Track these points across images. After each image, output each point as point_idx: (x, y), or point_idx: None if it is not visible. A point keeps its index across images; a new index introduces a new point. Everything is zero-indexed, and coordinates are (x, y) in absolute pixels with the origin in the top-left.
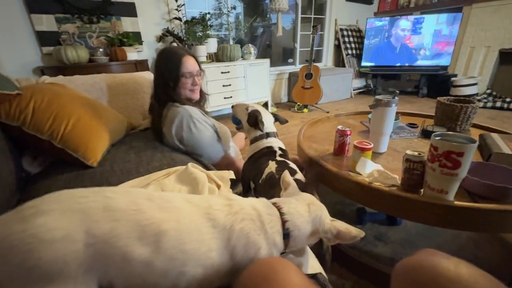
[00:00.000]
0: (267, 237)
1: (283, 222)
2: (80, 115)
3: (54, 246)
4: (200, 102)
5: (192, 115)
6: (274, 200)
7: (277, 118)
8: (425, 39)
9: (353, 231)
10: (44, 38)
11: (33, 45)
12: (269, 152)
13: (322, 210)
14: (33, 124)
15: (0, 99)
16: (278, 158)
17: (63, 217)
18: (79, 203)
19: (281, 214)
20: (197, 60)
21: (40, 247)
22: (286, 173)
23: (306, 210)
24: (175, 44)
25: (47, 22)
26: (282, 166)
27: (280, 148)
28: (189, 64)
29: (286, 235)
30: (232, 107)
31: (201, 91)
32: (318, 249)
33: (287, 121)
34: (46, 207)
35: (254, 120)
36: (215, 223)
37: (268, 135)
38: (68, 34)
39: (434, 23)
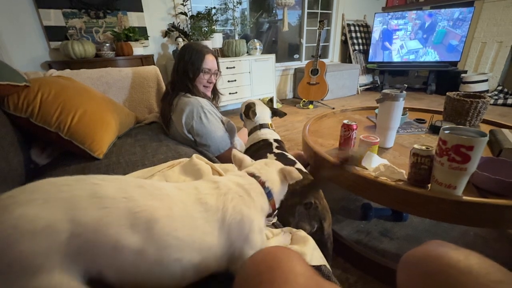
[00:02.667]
0: (256, 205)
1: (262, 184)
2: (87, 108)
3: (36, 237)
4: (213, 99)
5: (203, 105)
6: (243, 171)
7: (275, 112)
8: (434, 34)
9: (295, 173)
10: (52, 33)
11: (41, 40)
12: (266, 145)
13: (276, 162)
14: (41, 116)
15: (8, 90)
16: (276, 151)
17: (45, 206)
18: (62, 191)
19: (256, 178)
20: (217, 61)
21: (20, 239)
22: (235, 151)
23: (269, 167)
24: (180, 40)
25: (54, 17)
26: (280, 158)
27: (276, 140)
28: (210, 61)
29: (269, 194)
30: (241, 105)
31: (215, 89)
32: (319, 236)
33: (285, 114)
34: (27, 197)
35: (248, 110)
36: (208, 206)
37: (261, 126)
38: (75, 29)
39: (444, 18)
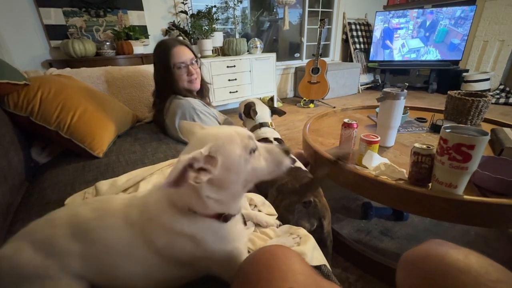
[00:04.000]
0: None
1: None
2: (87, 106)
3: (11, 260)
4: (202, 93)
5: (195, 106)
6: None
7: (274, 110)
8: (436, 33)
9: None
10: (52, 32)
11: (42, 39)
12: None
13: None
14: (41, 115)
15: (8, 89)
16: None
17: (13, 243)
18: (27, 230)
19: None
20: (190, 49)
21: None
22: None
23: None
24: (181, 38)
25: (55, 16)
26: None
27: (276, 139)
28: (179, 53)
29: None
30: (239, 104)
31: (202, 81)
32: (319, 234)
33: (284, 113)
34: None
35: (249, 110)
36: (129, 221)
37: (261, 125)
38: (75, 27)
39: (446, 16)
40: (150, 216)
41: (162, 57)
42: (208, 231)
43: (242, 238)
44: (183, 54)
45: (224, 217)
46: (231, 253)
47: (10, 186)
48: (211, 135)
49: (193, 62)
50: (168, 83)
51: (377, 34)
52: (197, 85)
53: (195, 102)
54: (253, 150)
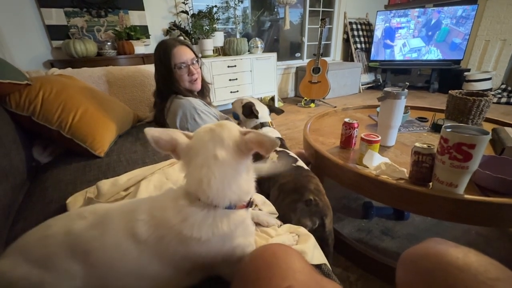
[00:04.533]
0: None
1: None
2: (88, 106)
3: (7, 276)
4: (203, 93)
5: (196, 106)
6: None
7: (272, 109)
8: (437, 32)
9: None
10: (53, 32)
11: (43, 39)
12: None
13: None
14: (43, 114)
15: (10, 89)
16: (278, 148)
17: (8, 259)
18: (19, 243)
19: None
20: (191, 49)
21: None
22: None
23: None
24: (182, 38)
25: (56, 16)
26: (282, 155)
27: (277, 138)
28: (180, 54)
29: None
30: (232, 104)
31: (203, 81)
32: (321, 232)
33: (282, 111)
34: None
35: (249, 110)
36: (138, 238)
37: (262, 124)
38: (77, 28)
39: (447, 16)
40: (165, 233)
41: (163, 57)
42: (239, 224)
43: (254, 233)
44: (184, 54)
45: (250, 203)
46: (247, 247)
47: (11, 185)
48: (231, 124)
49: (194, 62)
50: (169, 83)
51: (378, 33)
52: (198, 85)
53: (196, 102)
54: None
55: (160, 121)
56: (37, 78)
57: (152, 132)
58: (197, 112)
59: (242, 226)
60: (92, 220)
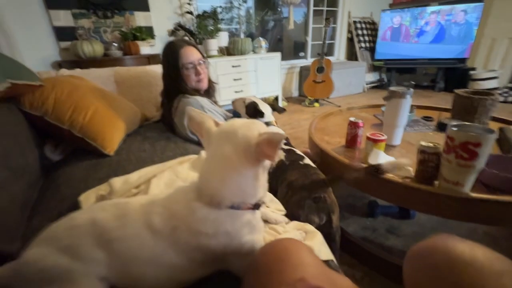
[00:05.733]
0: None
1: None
2: (98, 106)
3: (39, 264)
4: (209, 93)
5: (203, 105)
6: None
7: (274, 108)
8: (442, 30)
9: None
10: (61, 33)
11: (51, 40)
12: None
13: None
14: (55, 114)
15: (25, 90)
16: (284, 147)
17: (39, 249)
18: (47, 234)
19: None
20: (198, 50)
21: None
22: (192, 111)
23: None
24: (186, 38)
25: (64, 18)
26: (290, 154)
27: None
28: (188, 54)
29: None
30: (232, 102)
31: (209, 80)
32: (328, 229)
33: (284, 110)
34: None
35: (253, 110)
36: (154, 229)
37: (267, 124)
38: (84, 29)
39: (452, 14)
40: (177, 224)
41: (170, 57)
42: (245, 224)
43: (263, 229)
44: (191, 54)
45: (257, 205)
46: (256, 244)
47: (28, 182)
48: (257, 124)
49: (201, 62)
50: (177, 83)
51: (382, 32)
52: (204, 85)
53: (203, 101)
54: None
55: (168, 120)
56: (49, 79)
57: (190, 111)
58: (204, 111)
59: (249, 226)
60: (114, 212)
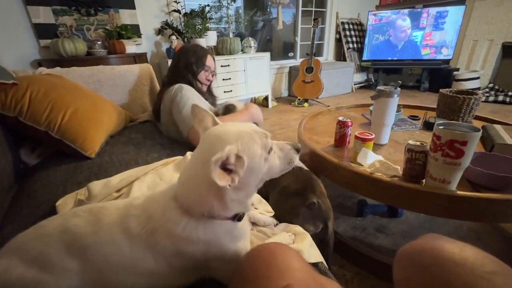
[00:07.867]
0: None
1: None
2: (78, 106)
3: (3, 277)
4: (205, 96)
5: (198, 94)
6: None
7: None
8: (427, 32)
9: None
10: (41, 31)
11: (30, 38)
12: None
13: None
14: (30, 115)
15: None
16: None
17: (3, 260)
18: (13, 244)
19: None
20: (214, 62)
21: None
22: (196, 107)
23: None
24: (174, 37)
25: (44, 14)
26: None
27: None
28: (211, 61)
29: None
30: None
31: (210, 89)
32: (323, 235)
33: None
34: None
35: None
36: (130, 233)
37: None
38: (65, 26)
39: (437, 16)
40: (155, 227)
41: (201, 53)
42: (224, 233)
43: (249, 235)
44: (212, 62)
45: (239, 217)
46: (241, 251)
47: None
48: (233, 134)
49: (214, 72)
50: (190, 73)
51: (369, 33)
52: (205, 89)
53: (197, 94)
54: (270, 149)
55: (156, 107)
56: (24, 78)
57: (195, 106)
58: (185, 87)
59: (230, 235)
60: (87, 217)
